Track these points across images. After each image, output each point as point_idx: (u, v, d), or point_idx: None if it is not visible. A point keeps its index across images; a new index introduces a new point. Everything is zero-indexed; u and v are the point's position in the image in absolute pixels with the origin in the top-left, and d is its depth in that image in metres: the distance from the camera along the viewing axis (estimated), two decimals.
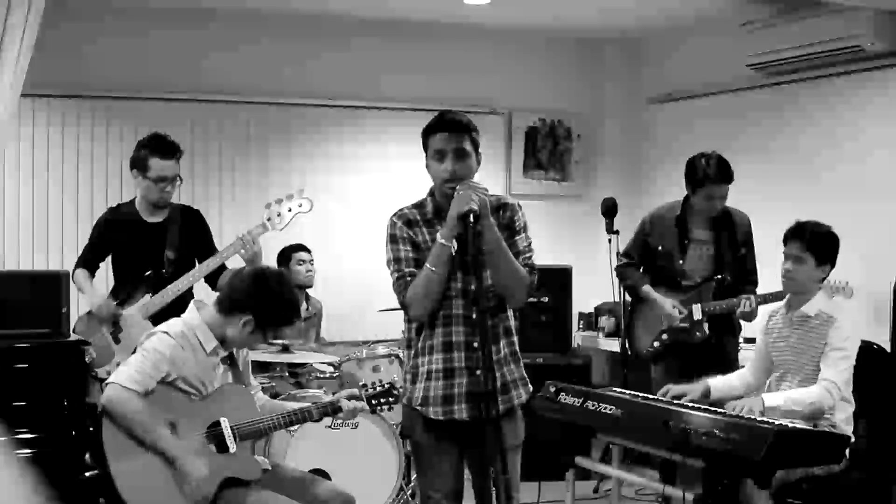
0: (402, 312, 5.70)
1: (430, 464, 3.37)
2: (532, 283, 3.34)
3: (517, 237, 3.35)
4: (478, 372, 3.24)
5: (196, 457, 3.39)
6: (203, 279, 4.65)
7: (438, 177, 3.29)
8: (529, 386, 3.44)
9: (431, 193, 3.39)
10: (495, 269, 3.22)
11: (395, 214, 3.40)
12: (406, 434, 3.48)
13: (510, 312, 3.38)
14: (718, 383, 4.13)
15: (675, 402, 3.90)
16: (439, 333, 3.29)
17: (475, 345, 3.24)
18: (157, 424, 3.37)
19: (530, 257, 3.36)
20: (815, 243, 4.00)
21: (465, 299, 3.26)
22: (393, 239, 3.36)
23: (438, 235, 3.22)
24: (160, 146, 4.62)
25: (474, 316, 3.24)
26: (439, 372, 3.28)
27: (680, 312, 4.77)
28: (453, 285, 3.26)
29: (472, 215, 3.11)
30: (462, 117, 3.33)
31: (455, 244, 3.20)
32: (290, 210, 4.63)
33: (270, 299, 3.57)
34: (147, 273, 4.60)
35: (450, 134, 3.27)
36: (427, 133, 3.33)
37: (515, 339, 3.40)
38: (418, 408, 3.32)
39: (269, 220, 4.61)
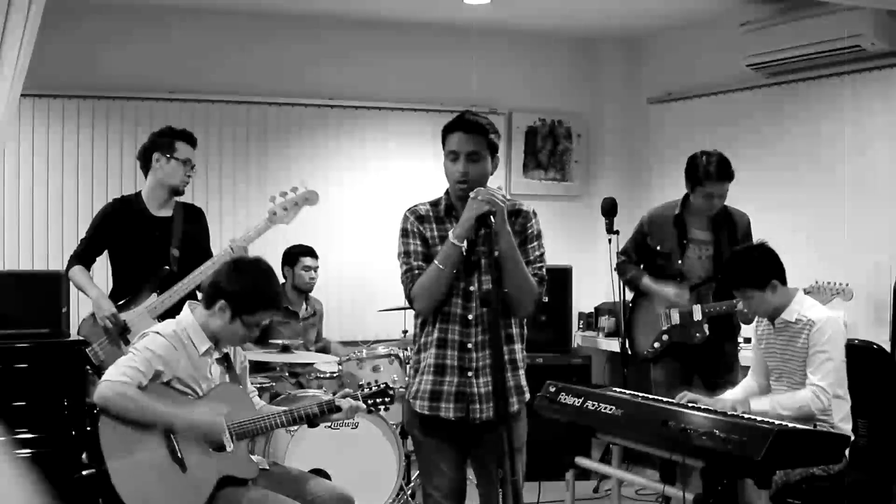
0: (402, 313, 5.79)
1: (428, 461, 3.38)
2: (541, 294, 3.32)
3: (529, 245, 3.33)
4: (469, 373, 3.25)
5: (196, 407, 3.42)
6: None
7: (450, 177, 3.30)
8: (526, 395, 3.41)
9: (446, 191, 3.40)
10: (506, 275, 3.19)
11: (409, 209, 3.41)
12: (407, 430, 3.49)
13: (514, 320, 3.35)
14: (728, 397, 4.13)
15: (676, 402, 3.90)
16: (437, 330, 3.30)
17: (469, 346, 3.26)
18: (152, 402, 3.36)
19: (541, 267, 3.34)
20: (746, 279, 3.99)
21: (465, 300, 3.27)
22: (405, 233, 3.36)
23: (450, 234, 3.21)
24: (183, 133, 4.68)
25: (470, 317, 3.25)
26: (431, 367, 3.30)
27: (681, 296, 4.75)
28: (455, 284, 3.26)
29: (490, 217, 3.11)
30: (482, 119, 3.33)
31: (465, 244, 3.20)
32: (296, 204, 4.54)
33: (242, 283, 3.55)
34: (156, 270, 4.50)
35: (466, 135, 3.26)
36: (445, 132, 3.33)
37: (518, 347, 3.36)
38: (410, 401, 3.36)
39: (274, 214, 4.51)
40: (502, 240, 3.16)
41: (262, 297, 3.56)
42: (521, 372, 3.38)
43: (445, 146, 3.31)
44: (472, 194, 3.18)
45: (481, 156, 3.27)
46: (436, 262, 3.23)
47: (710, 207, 4.73)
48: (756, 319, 4.25)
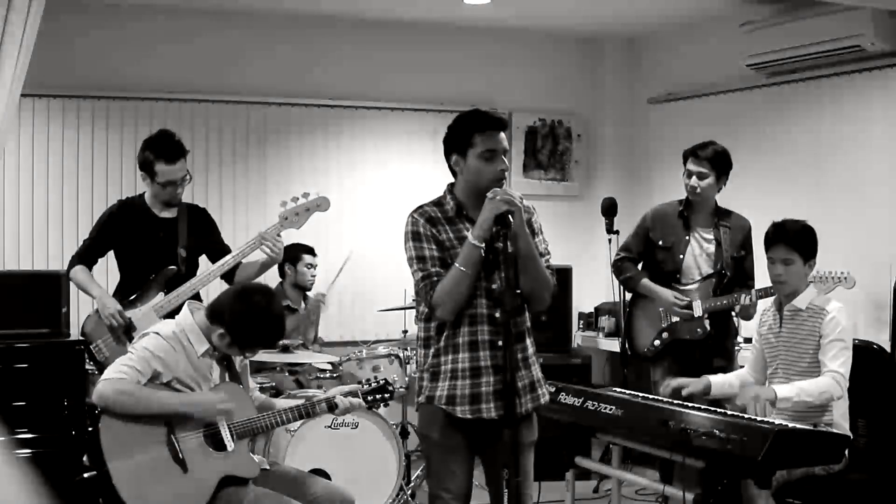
0: (402, 313, 5.79)
1: (442, 463, 3.33)
2: (555, 286, 3.35)
3: (535, 239, 3.33)
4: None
5: (201, 393, 3.47)
6: (220, 277, 4.51)
7: (487, 177, 3.22)
8: (547, 386, 3.46)
9: (450, 191, 3.35)
10: (525, 273, 3.18)
11: (415, 211, 3.32)
12: (422, 433, 3.44)
13: (527, 316, 3.37)
14: (718, 380, 4.16)
15: (676, 402, 3.90)
16: (464, 332, 3.24)
17: (500, 344, 3.21)
18: (152, 391, 3.39)
19: (549, 260, 3.37)
20: (799, 242, 4.02)
21: (489, 299, 3.24)
22: (416, 236, 3.27)
23: (470, 235, 3.17)
24: (165, 150, 4.48)
25: (497, 315, 3.23)
26: (465, 371, 3.24)
27: (680, 301, 4.75)
28: (478, 284, 3.22)
29: (508, 217, 3.09)
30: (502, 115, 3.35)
31: (483, 244, 3.17)
32: (307, 210, 4.50)
33: (246, 321, 3.51)
34: (162, 270, 4.48)
35: (502, 133, 3.26)
36: (472, 131, 3.23)
37: (532, 340, 3.40)
38: (443, 406, 3.27)
39: (286, 219, 4.47)
40: (520, 238, 3.15)
41: (262, 338, 3.58)
42: (538, 365, 3.42)
43: (476, 145, 3.22)
44: (489, 195, 3.14)
45: (508, 152, 3.30)
46: (457, 264, 3.18)
47: (690, 190, 4.74)
48: (761, 311, 4.26)
